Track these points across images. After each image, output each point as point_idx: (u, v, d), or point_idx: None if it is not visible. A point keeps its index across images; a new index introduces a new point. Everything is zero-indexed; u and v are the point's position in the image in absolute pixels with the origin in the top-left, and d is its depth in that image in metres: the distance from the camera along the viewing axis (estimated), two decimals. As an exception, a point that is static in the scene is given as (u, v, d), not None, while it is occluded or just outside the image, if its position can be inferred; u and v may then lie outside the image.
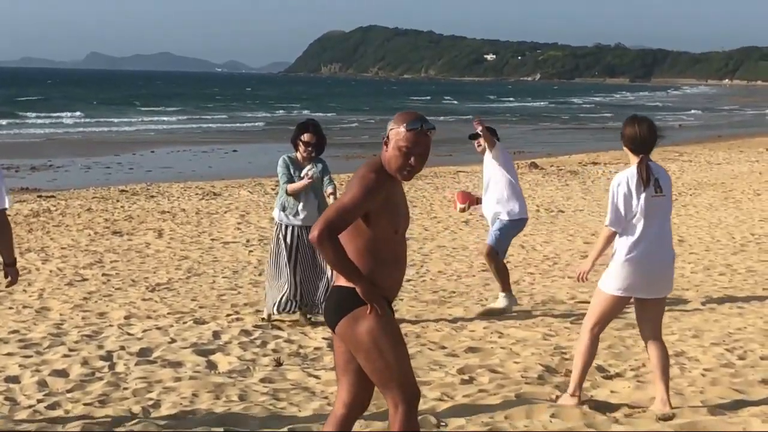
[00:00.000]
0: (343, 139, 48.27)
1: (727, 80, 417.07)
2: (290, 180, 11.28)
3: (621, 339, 10.62)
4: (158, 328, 11.19)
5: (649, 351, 7.97)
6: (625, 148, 7.91)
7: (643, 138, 7.78)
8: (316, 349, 10.27)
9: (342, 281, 5.63)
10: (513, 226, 12.30)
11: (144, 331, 11.07)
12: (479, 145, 12.36)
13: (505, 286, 12.17)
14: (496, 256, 12.19)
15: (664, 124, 78.09)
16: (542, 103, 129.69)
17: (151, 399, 8.38)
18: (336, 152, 35.51)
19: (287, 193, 11.31)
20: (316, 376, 9.14)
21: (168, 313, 12.06)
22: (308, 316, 11.45)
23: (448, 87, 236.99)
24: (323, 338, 10.63)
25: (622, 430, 7.36)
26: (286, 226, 11.37)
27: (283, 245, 11.36)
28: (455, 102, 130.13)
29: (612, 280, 7.78)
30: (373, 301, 5.55)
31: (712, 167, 34.11)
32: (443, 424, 7.56)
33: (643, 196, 7.68)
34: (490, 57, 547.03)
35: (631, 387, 8.65)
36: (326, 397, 8.33)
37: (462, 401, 8.23)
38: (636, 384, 8.74)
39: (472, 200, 12.68)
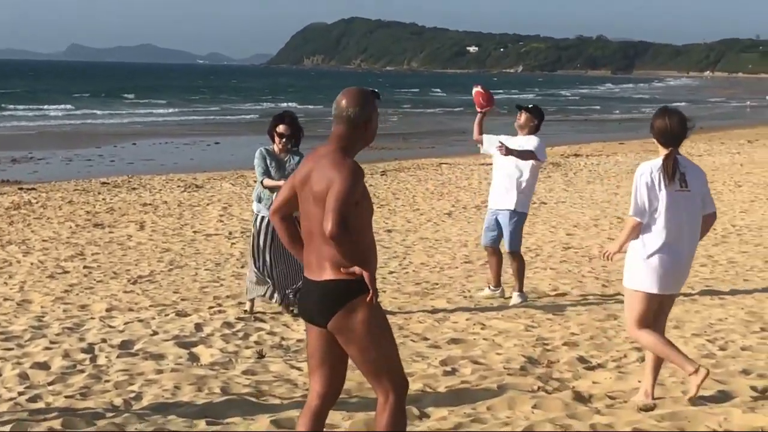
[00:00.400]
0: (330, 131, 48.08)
1: (708, 72, 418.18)
2: (266, 172, 11.24)
3: (603, 330, 10.64)
4: (140, 321, 11.16)
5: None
6: (654, 140, 7.83)
7: (673, 131, 7.68)
8: (299, 341, 10.26)
9: (328, 275, 5.62)
10: (524, 219, 12.42)
11: (126, 323, 11.04)
12: (519, 119, 12.34)
13: (521, 286, 12.34)
14: (520, 255, 12.34)
15: (646, 115, 78.37)
16: (530, 96, 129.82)
17: (132, 391, 8.37)
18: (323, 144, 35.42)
19: (263, 186, 11.30)
20: (299, 368, 9.13)
21: (150, 306, 12.03)
22: (290, 308, 11.43)
23: (434, 79, 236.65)
24: (305, 330, 10.60)
25: (604, 420, 7.38)
26: (264, 218, 11.35)
27: (262, 237, 11.34)
28: (444, 94, 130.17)
29: (637, 278, 7.71)
30: (375, 287, 5.62)
31: (692, 159, 34.13)
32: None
33: (666, 190, 7.60)
34: (472, 49, 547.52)
35: (613, 378, 8.67)
36: (308, 389, 8.31)
37: (444, 392, 8.24)
38: (618, 375, 8.76)
39: (491, 105, 12.58)
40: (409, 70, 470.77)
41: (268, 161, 11.26)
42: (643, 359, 9.26)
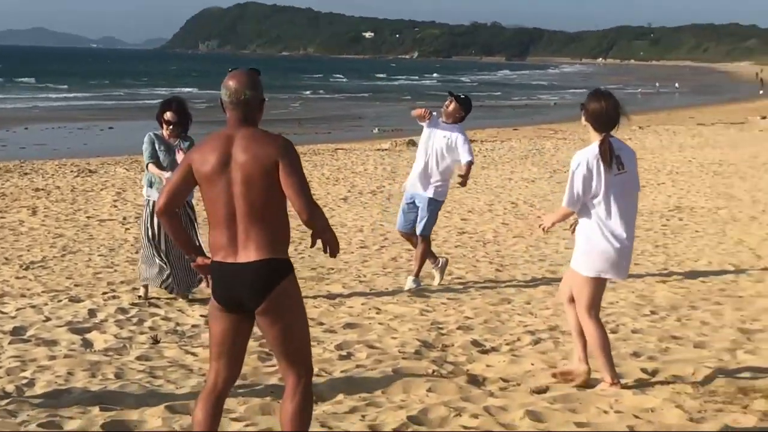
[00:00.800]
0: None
1: (600, 59, 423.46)
2: (153, 156, 11.16)
3: (497, 314, 10.76)
4: (32, 307, 11.02)
5: (568, 313, 8.01)
6: (587, 125, 7.74)
7: (608, 114, 7.61)
8: (194, 326, 10.22)
9: (258, 255, 5.57)
10: (440, 207, 12.54)
11: (18, 309, 10.89)
12: (448, 107, 12.33)
13: (419, 271, 12.36)
14: (429, 241, 12.41)
15: (542, 102, 79.23)
16: (431, 82, 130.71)
17: (25, 378, 8.26)
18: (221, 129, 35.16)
19: (149, 170, 11.22)
20: (194, 354, 9.10)
21: (42, 292, 11.88)
22: (185, 293, 11.37)
23: (337, 65, 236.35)
24: (201, 315, 10.58)
25: (497, 403, 7.46)
26: (155, 202, 11.26)
27: (154, 221, 11.25)
28: (345, 80, 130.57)
29: (587, 263, 7.68)
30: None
31: (584, 145, 34.58)
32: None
33: (605, 175, 7.54)
34: (368, 35, 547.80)
35: (507, 361, 8.76)
36: (203, 374, 8.28)
37: (340, 377, 8.27)
38: (511, 358, 8.86)
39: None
40: (306, 56, 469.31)
41: (157, 145, 11.18)
42: (535, 342, 9.43)
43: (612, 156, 7.58)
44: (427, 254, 12.39)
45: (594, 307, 7.79)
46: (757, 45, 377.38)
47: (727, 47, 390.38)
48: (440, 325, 10.22)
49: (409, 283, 12.27)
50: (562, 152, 31.58)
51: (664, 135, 39.35)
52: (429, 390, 7.80)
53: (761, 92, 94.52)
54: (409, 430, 6.86)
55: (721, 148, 33.77)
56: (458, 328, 10.07)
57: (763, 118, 50.87)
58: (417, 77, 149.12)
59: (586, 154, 7.61)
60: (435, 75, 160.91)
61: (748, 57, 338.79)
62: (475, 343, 9.43)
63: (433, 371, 8.42)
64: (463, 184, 12.33)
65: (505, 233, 16.80)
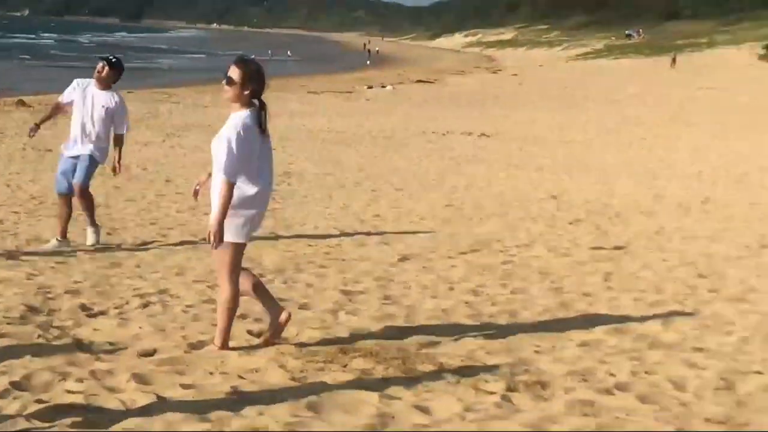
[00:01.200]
0: None
1: (215, 24, 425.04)
2: None
3: (106, 278, 10.69)
4: None
5: (243, 282, 8.01)
6: (238, 89, 7.50)
7: (264, 80, 7.56)
8: None
9: None
10: (96, 164, 12.39)
11: None
12: (101, 72, 12.17)
13: (94, 221, 12.44)
14: (89, 193, 12.32)
15: (157, 65, 78.77)
16: (49, 41, 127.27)
17: None
18: None
19: None
20: None
21: None
22: None
23: None
24: None
25: (104, 366, 7.44)
26: None
27: None
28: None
29: (235, 229, 7.61)
30: None
31: (198, 109, 34.72)
32: None
33: (259, 141, 7.53)
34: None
35: (115, 324, 8.74)
36: None
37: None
38: (119, 321, 8.84)
39: None
40: None
41: None
42: (144, 305, 9.45)
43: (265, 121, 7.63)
44: (93, 207, 12.33)
45: (236, 271, 7.88)
46: (364, 16, 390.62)
47: (338, 18, 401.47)
48: (47, 290, 10.03)
49: (90, 237, 12.18)
50: (176, 116, 31.59)
51: (276, 102, 39.76)
52: (33, 355, 7.67)
53: (368, 63, 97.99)
54: (11, 396, 6.74)
55: (329, 116, 34.77)
56: (66, 292, 9.92)
57: (370, 87, 52.78)
58: (34, 36, 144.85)
59: (242, 120, 7.51)
60: (52, 34, 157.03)
61: (357, 28, 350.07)
62: (83, 307, 9.33)
63: (39, 336, 8.29)
64: (115, 170, 12.54)
65: (116, 196, 16.67)
